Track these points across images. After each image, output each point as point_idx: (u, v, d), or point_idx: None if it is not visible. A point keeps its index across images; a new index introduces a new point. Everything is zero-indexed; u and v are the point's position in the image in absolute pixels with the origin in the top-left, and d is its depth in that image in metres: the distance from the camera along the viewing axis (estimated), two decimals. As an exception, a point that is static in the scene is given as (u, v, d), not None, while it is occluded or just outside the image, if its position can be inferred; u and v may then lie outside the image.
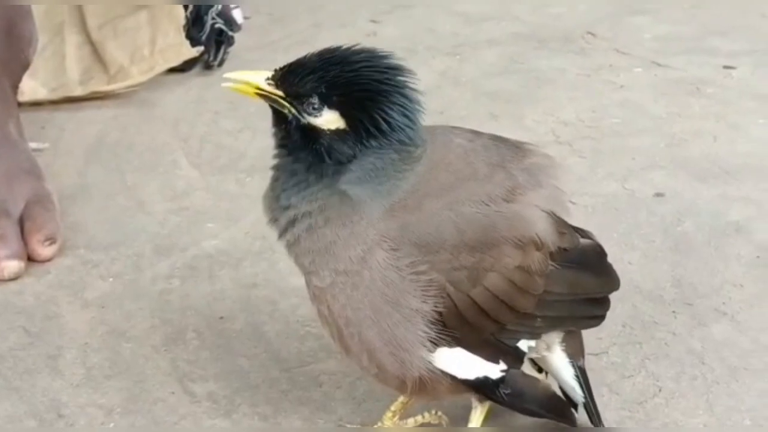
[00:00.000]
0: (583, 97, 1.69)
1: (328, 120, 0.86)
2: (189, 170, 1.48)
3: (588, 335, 0.99)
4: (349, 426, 1.01)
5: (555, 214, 0.91)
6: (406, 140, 0.86)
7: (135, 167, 1.49)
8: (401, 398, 0.98)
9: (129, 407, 1.04)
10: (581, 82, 1.75)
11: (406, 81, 0.86)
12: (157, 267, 1.26)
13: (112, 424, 1.02)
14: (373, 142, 0.86)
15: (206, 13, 1.78)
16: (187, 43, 1.74)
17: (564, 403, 0.97)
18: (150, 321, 1.16)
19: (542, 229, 0.89)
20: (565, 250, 0.91)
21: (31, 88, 1.62)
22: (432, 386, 0.90)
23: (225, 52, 1.80)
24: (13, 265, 1.23)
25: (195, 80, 1.76)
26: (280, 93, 0.87)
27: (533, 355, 0.95)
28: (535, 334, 0.92)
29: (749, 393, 1.04)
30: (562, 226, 0.92)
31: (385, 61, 0.87)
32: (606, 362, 1.09)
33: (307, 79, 0.86)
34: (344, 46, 0.87)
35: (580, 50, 1.87)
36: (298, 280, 0.96)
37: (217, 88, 1.71)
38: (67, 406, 1.04)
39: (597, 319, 0.97)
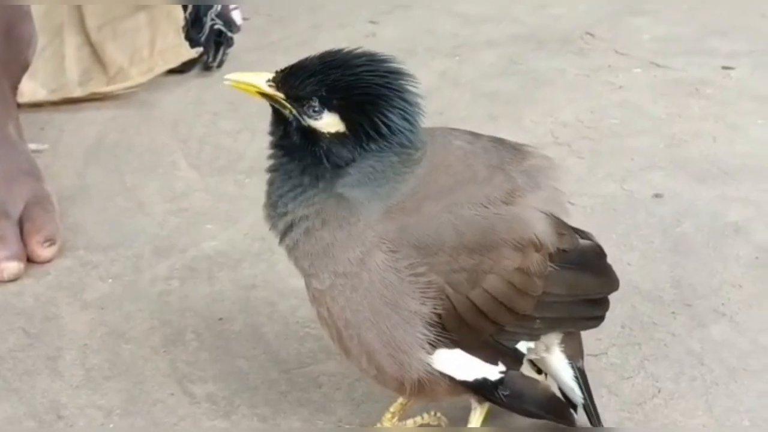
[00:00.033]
0: (582, 97, 1.69)
1: (328, 123, 0.86)
2: (188, 171, 1.48)
3: (587, 336, 0.99)
4: (348, 427, 1.01)
5: (554, 216, 0.91)
6: (406, 143, 0.86)
7: (134, 168, 1.49)
8: (400, 399, 0.98)
9: (128, 408, 1.04)
10: (580, 82, 1.75)
11: (406, 85, 0.86)
12: (157, 268, 1.26)
13: (111, 425, 1.02)
14: (373, 146, 0.86)
15: (205, 15, 1.77)
16: (186, 44, 1.74)
17: (563, 404, 0.97)
18: (149, 322, 1.17)
19: (541, 230, 0.89)
20: (564, 251, 0.92)
21: (30, 89, 1.62)
22: (431, 388, 0.90)
23: (224, 54, 1.80)
24: (13, 267, 1.23)
25: (194, 81, 1.76)
26: (281, 95, 0.87)
27: (532, 357, 0.95)
28: (534, 336, 0.92)
29: (748, 394, 1.04)
30: (561, 227, 0.92)
31: (386, 65, 0.87)
32: (605, 363, 1.09)
33: (308, 81, 0.86)
34: (345, 50, 0.87)
35: (579, 51, 1.87)
36: (297, 282, 0.96)
37: (216, 89, 1.71)
38: (66, 408, 1.04)
39: (596, 320, 0.97)
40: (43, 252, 1.26)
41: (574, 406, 0.97)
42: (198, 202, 1.40)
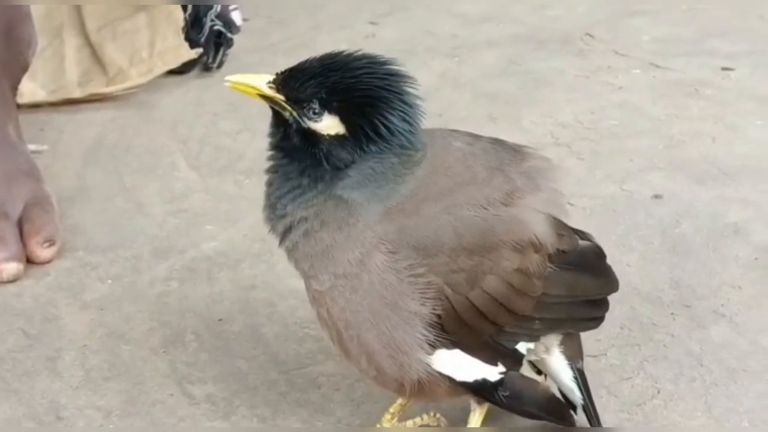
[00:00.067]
0: (581, 98, 1.69)
1: (328, 125, 0.86)
2: (187, 172, 1.48)
3: (586, 337, 0.99)
4: (347, 428, 1.01)
5: (554, 217, 0.91)
6: (406, 144, 0.86)
7: (134, 169, 1.49)
8: (400, 400, 0.99)
9: (128, 409, 1.04)
10: (580, 83, 1.75)
11: (406, 87, 0.86)
12: (156, 269, 1.26)
13: (110, 426, 1.02)
14: (373, 147, 0.86)
15: (205, 15, 1.78)
16: (185, 45, 1.74)
17: (563, 404, 0.97)
18: (149, 323, 1.17)
19: (540, 232, 0.89)
20: (563, 252, 0.92)
21: (30, 89, 1.62)
22: (430, 388, 0.90)
23: (224, 54, 1.80)
24: (12, 267, 1.23)
25: (194, 82, 1.76)
26: (281, 97, 0.87)
27: (532, 358, 0.95)
28: (533, 336, 0.92)
29: (747, 395, 1.04)
30: (561, 228, 0.92)
31: (385, 67, 0.87)
32: (605, 364, 1.09)
33: (308, 84, 0.86)
34: (345, 52, 0.87)
35: (578, 52, 1.87)
36: (297, 282, 0.96)
37: (215, 90, 1.71)
38: (66, 408, 1.04)
39: (596, 320, 0.97)
40: (43, 253, 1.26)
41: (574, 407, 0.97)
42: (197, 203, 1.40)
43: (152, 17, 1.72)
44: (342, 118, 0.86)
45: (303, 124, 0.87)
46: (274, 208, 0.89)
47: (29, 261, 1.25)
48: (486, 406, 0.95)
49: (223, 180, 1.46)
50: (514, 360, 0.92)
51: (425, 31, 1.97)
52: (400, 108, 0.86)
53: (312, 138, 0.87)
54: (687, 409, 1.03)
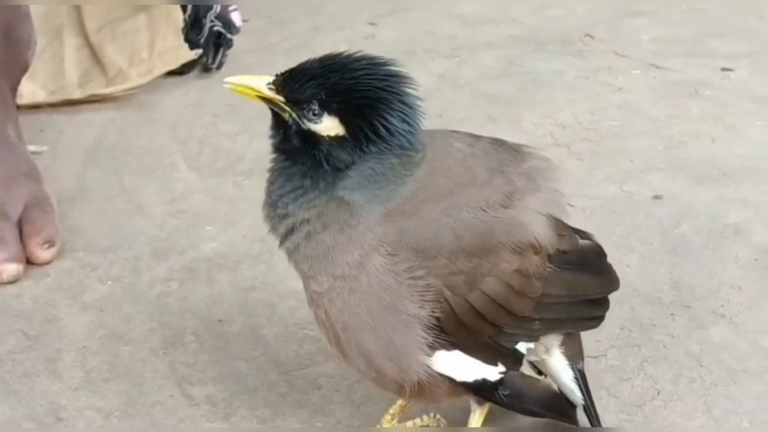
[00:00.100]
0: (581, 99, 1.69)
1: (328, 126, 0.86)
2: (187, 173, 1.48)
3: (586, 337, 0.99)
4: (347, 428, 1.01)
5: (554, 217, 0.91)
6: (406, 145, 0.86)
7: (133, 170, 1.49)
8: (400, 401, 0.99)
9: (127, 410, 1.04)
10: (579, 84, 1.75)
11: (405, 88, 0.86)
12: (156, 270, 1.26)
13: (110, 427, 1.02)
14: (373, 148, 0.86)
15: (205, 16, 1.78)
16: (185, 46, 1.74)
17: (564, 401, 0.97)
18: (148, 324, 1.17)
19: (540, 233, 0.89)
20: (563, 252, 0.92)
21: (29, 90, 1.62)
22: (430, 389, 0.90)
23: (223, 55, 1.80)
24: (12, 268, 1.23)
25: (193, 83, 1.76)
26: (281, 98, 0.87)
27: (532, 358, 0.95)
28: (533, 337, 0.92)
29: (747, 395, 1.04)
30: (561, 228, 0.92)
31: (385, 68, 0.87)
32: (604, 365, 1.09)
33: (308, 85, 0.86)
34: (345, 53, 0.87)
35: (578, 52, 1.87)
36: (297, 283, 0.96)
37: (215, 91, 1.71)
38: (65, 410, 1.04)
39: (596, 320, 0.97)
40: (43, 254, 1.26)
41: (574, 408, 0.97)
42: (197, 204, 1.40)
43: (152, 18, 1.72)
44: (342, 119, 0.86)
45: (303, 126, 0.87)
46: (275, 207, 0.89)
47: (29, 262, 1.25)
48: (486, 406, 0.95)
49: (223, 181, 1.46)
50: (514, 360, 0.92)
51: (425, 32, 1.97)
52: (399, 109, 0.86)
53: (312, 139, 0.87)
54: (687, 410, 1.03)
